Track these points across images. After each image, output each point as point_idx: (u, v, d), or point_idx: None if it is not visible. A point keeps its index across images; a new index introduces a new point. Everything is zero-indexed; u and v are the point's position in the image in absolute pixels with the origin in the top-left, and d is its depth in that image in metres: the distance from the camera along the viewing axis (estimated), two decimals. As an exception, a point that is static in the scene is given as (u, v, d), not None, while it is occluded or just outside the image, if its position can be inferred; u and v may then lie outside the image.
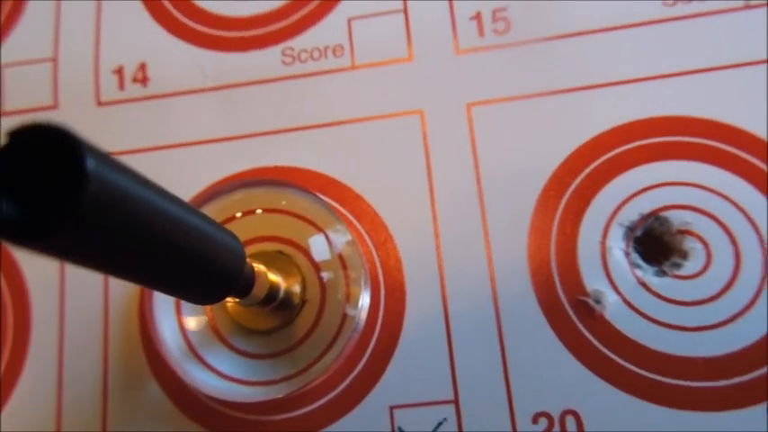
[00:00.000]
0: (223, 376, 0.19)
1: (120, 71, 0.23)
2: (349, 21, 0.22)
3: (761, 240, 0.18)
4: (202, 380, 0.19)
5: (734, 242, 0.19)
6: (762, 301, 0.18)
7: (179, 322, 0.20)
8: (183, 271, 0.14)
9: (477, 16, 0.22)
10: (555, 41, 0.21)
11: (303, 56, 0.22)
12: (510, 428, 0.18)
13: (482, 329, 0.19)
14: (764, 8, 0.20)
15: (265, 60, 0.22)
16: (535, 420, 0.18)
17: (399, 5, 0.22)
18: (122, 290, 0.21)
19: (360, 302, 0.19)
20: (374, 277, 0.20)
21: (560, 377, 0.18)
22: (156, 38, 0.23)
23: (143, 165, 0.21)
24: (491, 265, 0.19)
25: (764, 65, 0.20)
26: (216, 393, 0.18)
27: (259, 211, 0.21)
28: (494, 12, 0.21)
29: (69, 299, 0.21)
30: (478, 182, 0.20)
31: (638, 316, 0.18)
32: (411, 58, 0.22)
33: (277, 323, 0.20)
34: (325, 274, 0.19)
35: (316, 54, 0.22)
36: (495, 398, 0.19)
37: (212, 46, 0.23)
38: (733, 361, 0.18)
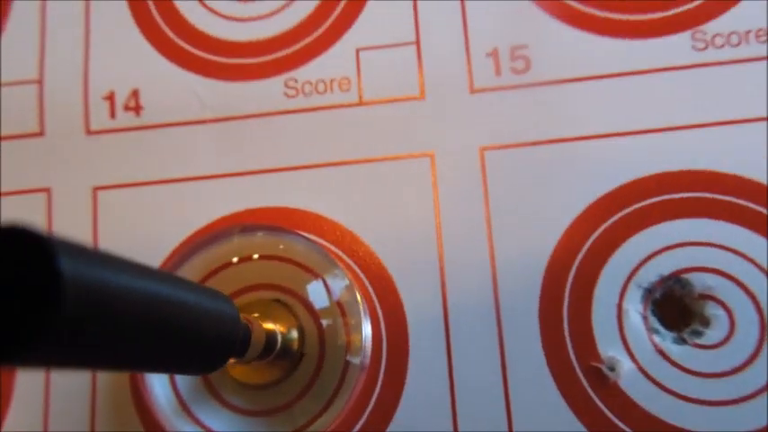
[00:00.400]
0: None
1: (111, 97, 0.21)
2: (357, 51, 0.21)
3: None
4: None
5: (759, 310, 0.18)
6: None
7: (170, 375, 0.19)
8: (176, 350, 0.13)
9: (495, 53, 0.20)
10: (574, 83, 0.19)
11: (307, 88, 0.21)
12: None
13: (488, 393, 0.18)
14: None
15: (267, 92, 0.21)
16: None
17: (412, 37, 0.21)
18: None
19: (361, 349, 0.18)
20: (375, 326, 0.19)
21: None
22: (151, 62, 0.21)
23: (135, 200, 0.20)
24: (500, 324, 0.18)
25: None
26: None
27: (255, 256, 0.19)
28: (512, 49, 0.20)
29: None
30: (489, 234, 0.19)
31: (654, 386, 0.17)
32: (423, 96, 0.20)
33: (274, 377, 0.19)
34: (324, 322, 0.18)
35: (321, 87, 0.21)
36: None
37: (210, 73, 0.21)
38: (753, 440, 0.17)
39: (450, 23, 0.21)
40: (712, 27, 0.19)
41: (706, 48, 0.19)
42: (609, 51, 0.20)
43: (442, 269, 0.19)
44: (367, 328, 0.19)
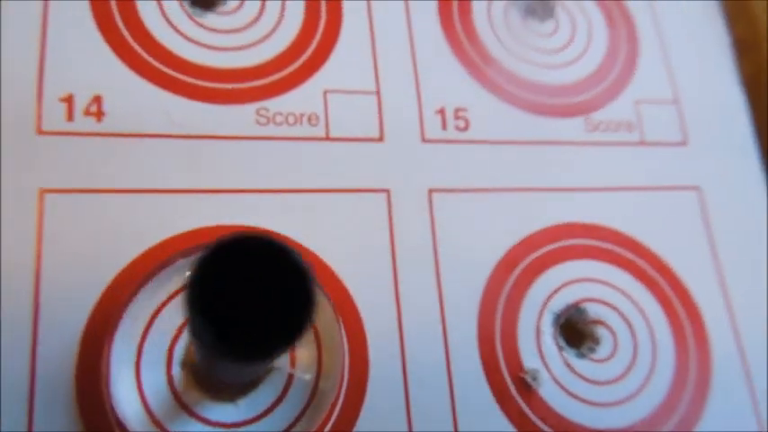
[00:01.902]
0: None
1: (69, 100, 0.20)
2: (325, 93, 0.23)
3: (651, 335, 0.23)
4: None
5: (632, 332, 0.23)
6: (650, 385, 0.22)
7: (138, 389, 0.18)
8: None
9: (441, 111, 0.23)
10: (505, 146, 0.24)
11: (278, 119, 0.22)
12: (460, 494, 0.20)
13: (438, 404, 0.21)
14: (668, 147, 0.25)
15: (238, 116, 0.22)
16: (482, 485, 0.20)
17: (373, 87, 0.23)
18: (56, 354, 0.18)
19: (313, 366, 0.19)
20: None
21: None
22: (117, 73, 0.21)
23: (87, 207, 0.19)
24: (446, 343, 0.21)
25: (671, 191, 0.25)
26: None
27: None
28: (455, 110, 0.24)
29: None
30: (436, 262, 0.22)
31: (564, 393, 0.22)
32: (382, 139, 0.23)
33: (243, 389, 0.19)
34: None
35: (291, 119, 0.22)
36: (447, 465, 0.20)
37: (181, 92, 0.21)
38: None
39: (404, 79, 0.24)
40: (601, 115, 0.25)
41: (594, 131, 0.25)
42: (535, 122, 0.24)
43: (396, 291, 0.21)
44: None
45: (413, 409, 0.20)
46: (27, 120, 0.20)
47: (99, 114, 0.20)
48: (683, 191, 0.25)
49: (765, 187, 0.26)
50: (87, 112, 0.20)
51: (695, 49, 0.27)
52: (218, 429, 0.19)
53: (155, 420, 0.18)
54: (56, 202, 0.19)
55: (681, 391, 0.22)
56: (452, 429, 0.20)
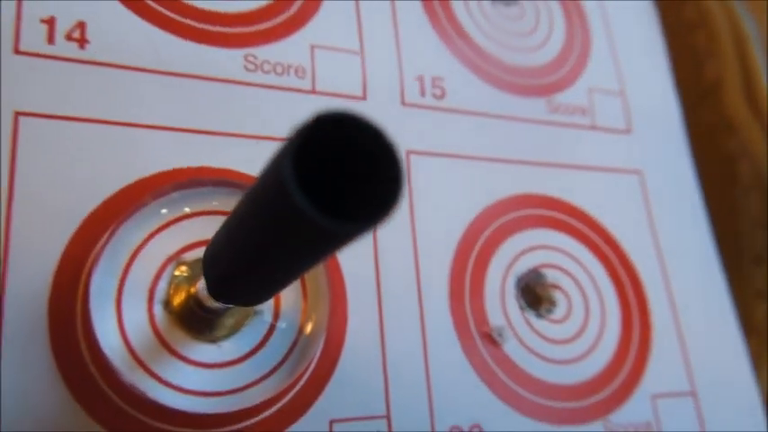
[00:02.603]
0: (174, 387, 0.17)
1: (51, 22, 0.19)
2: (312, 47, 0.23)
3: (600, 301, 0.25)
4: (155, 392, 0.17)
5: (585, 299, 0.24)
6: (601, 344, 0.24)
7: (119, 330, 0.17)
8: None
9: (420, 79, 0.24)
10: (477, 117, 0.25)
11: (266, 66, 0.22)
12: (430, 439, 0.20)
13: (411, 355, 0.21)
14: (614, 133, 0.27)
15: (227, 60, 0.21)
16: (450, 433, 0.21)
17: (357, 48, 0.24)
18: (26, 286, 0.17)
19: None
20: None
21: (471, 397, 0.21)
22: (104, 2, 0.20)
23: (65, 135, 0.18)
24: (420, 299, 0.22)
25: (617, 173, 0.27)
26: (173, 406, 0.17)
27: (187, 210, 0.19)
28: (433, 79, 0.24)
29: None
30: (412, 222, 0.22)
31: (525, 350, 0.23)
32: (365, 97, 0.23)
33: (225, 331, 0.19)
34: None
35: (279, 69, 0.22)
36: (419, 414, 0.21)
37: (170, 29, 0.21)
38: (585, 387, 0.23)
39: (387, 44, 0.24)
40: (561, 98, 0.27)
41: (553, 114, 0.27)
42: (492, 99, 0.25)
43: (375, 249, 0.22)
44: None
45: (388, 361, 0.21)
46: (4, 37, 0.18)
47: (82, 41, 0.19)
48: (627, 174, 0.27)
49: (694, 172, 0.29)
50: (69, 37, 0.19)
51: (638, 48, 0.30)
52: (198, 369, 0.18)
53: (136, 358, 0.17)
54: (31, 126, 0.18)
55: (625, 352, 0.24)
56: (425, 380, 0.21)
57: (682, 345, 0.25)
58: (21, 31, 0.18)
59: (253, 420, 0.18)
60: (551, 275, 0.24)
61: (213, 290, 0.14)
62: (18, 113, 0.18)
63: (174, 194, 0.19)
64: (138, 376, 0.17)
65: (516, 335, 0.23)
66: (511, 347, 0.22)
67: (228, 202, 0.19)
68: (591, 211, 0.26)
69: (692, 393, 0.25)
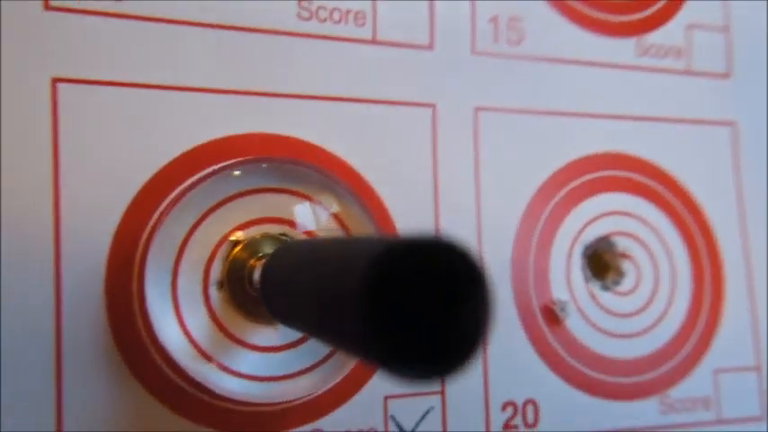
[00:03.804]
0: (240, 375, 0.17)
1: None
2: (376, -13, 0.20)
3: (672, 271, 0.23)
4: (222, 382, 0.16)
5: (656, 269, 0.23)
6: (667, 318, 0.23)
7: (180, 324, 0.17)
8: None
9: (495, 20, 0.21)
10: (556, 64, 0.22)
11: (322, 14, 0.19)
12: (484, 415, 0.20)
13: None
14: (711, 78, 0.24)
15: (279, 8, 0.19)
16: (504, 408, 0.20)
17: (426, -15, 0.20)
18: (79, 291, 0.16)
19: None
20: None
21: (526, 372, 0.21)
22: (140, -62, 0.17)
23: (105, 102, 0.17)
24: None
25: (701, 125, 0.24)
26: (237, 394, 0.16)
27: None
28: (509, 19, 0.21)
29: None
30: (477, 184, 0.21)
31: (586, 324, 0.22)
32: (431, 47, 0.20)
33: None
34: None
35: (336, 15, 0.19)
36: (473, 389, 0.20)
37: (215, -29, 0.18)
38: (645, 362, 0.22)
39: (459, -20, 0.21)
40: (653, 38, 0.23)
41: (642, 56, 0.23)
42: (587, 41, 0.22)
43: (436, 212, 0.20)
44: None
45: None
46: (31, -9, 0.16)
47: (118, -8, 0.17)
48: (718, 126, 0.24)
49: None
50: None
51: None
52: (256, 353, 0.17)
53: (193, 343, 0.17)
54: (70, 93, 0.16)
55: (692, 326, 0.23)
56: (482, 359, 0.20)
57: (753, 319, 0.23)
58: (50, -18, 0.16)
59: (309, 398, 0.18)
60: (622, 244, 0.22)
61: (269, 308, 0.13)
62: (55, 80, 0.16)
63: (236, 171, 0.18)
64: (195, 363, 0.16)
65: (578, 308, 0.21)
66: (572, 321, 0.21)
67: (284, 177, 0.18)
68: (673, 171, 0.23)
69: (757, 368, 0.23)
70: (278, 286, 0.12)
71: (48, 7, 0.16)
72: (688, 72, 0.24)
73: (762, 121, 0.24)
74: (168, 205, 0.17)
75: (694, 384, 0.22)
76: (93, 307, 0.16)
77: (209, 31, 0.18)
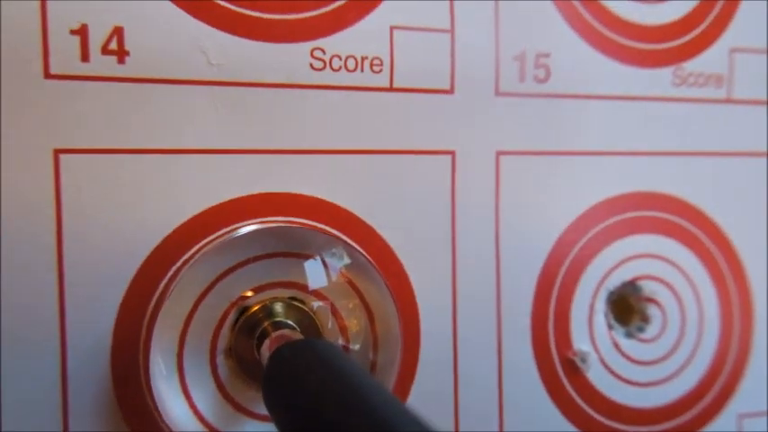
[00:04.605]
0: None
1: (83, 32, 0.16)
2: (391, 29, 0.18)
3: (700, 316, 0.22)
4: None
5: (683, 314, 0.22)
6: (692, 366, 0.22)
7: (186, 399, 0.16)
8: None
9: (521, 57, 0.20)
10: (585, 100, 0.20)
11: (336, 62, 0.18)
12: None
13: (485, 380, 0.20)
14: (749, 105, 0.22)
15: (290, 59, 0.18)
16: (522, 462, 0.20)
17: (447, 24, 0.19)
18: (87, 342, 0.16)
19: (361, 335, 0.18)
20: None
21: (545, 426, 0.20)
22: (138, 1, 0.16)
23: (110, 170, 0.16)
24: (499, 317, 0.20)
25: (741, 157, 0.22)
26: None
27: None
28: (537, 56, 0.20)
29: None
30: (497, 232, 0.20)
31: (610, 375, 0.21)
32: (452, 91, 0.19)
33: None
34: (315, 304, 0.18)
35: (351, 64, 0.18)
36: (490, 439, 0.20)
37: (222, 25, 0.17)
38: (667, 410, 0.21)
39: (483, 17, 0.19)
40: (692, 66, 0.22)
41: (681, 85, 0.22)
42: (613, 74, 0.21)
43: (454, 265, 0.19)
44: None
45: (460, 385, 0.19)
46: (31, 58, 0.15)
47: (121, 54, 0.16)
48: (758, 157, 0.23)
49: None
50: (106, 50, 0.16)
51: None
52: (265, 424, 0.17)
53: (205, 423, 0.16)
54: (72, 164, 0.16)
55: (719, 371, 0.22)
56: (497, 406, 0.20)
57: (783, 365, 0.22)
58: (49, 48, 0.15)
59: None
60: (648, 288, 0.22)
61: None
62: (57, 151, 0.16)
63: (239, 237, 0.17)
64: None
65: (601, 358, 0.21)
66: (594, 373, 0.21)
67: (291, 241, 0.17)
68: (706, 208, 0.22)
69: (784, 412, 0.23)
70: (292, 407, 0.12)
71: (48, 75, 0.16)
72: (729, 100, 0.22)
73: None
74: (173, 275, 0.16)
75: (719, 429, 0.22)
76: (100, 381, 0.16)
77: (216, 88, 0.17)
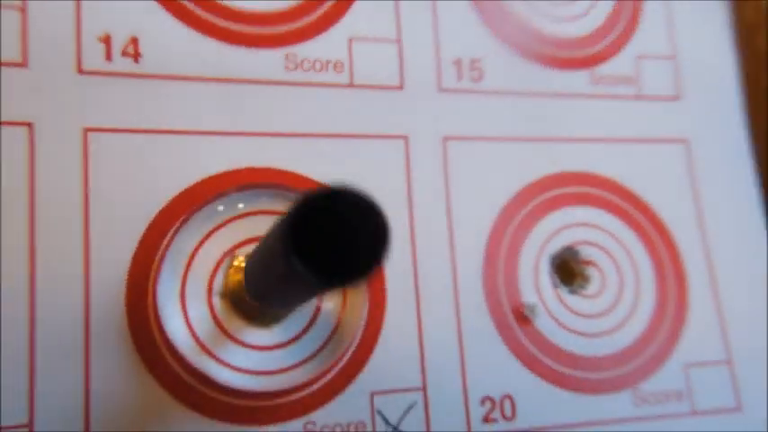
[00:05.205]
0: (236, 369, 0.20)
1: (107, 40, 0.21)
2: (350, 40, 0.23)
3: (635, 275, 0.25)
4: (218, 373, 0.19)
5: (619, 273, 0.25)
6: (634, 317, 0.25)
7: (185, 319, 0.20)
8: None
9: (458, 62, 0.24)
10: (516, 97, 0.25)
11: (306, 65, 0.23)
12: (464, 409, 0.22)
13: (446, 331, 0.23)
14: (656, 102, 0.26)
15: (269, 62, 0.22)
16: (482, 403, 0.23)
17: (394, 36, 0.24)
18: (106, 288, 0.20)
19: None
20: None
21: (502, 369, 0.23)
22: (153, 15, 0.21)
23: (129, 146, 0.20)
24: (455, 278, 0.23)
25: (661, 144, 0.26)
26: (233, 385, 0.19)
27: (241, 205, 0.21)
28: (471, 61, 0.25)
29: (42, 302, 0.19)
30: (448, 204, 0.23)
31: (557, 325, 0.24)
32: (401, 87, 0.24)
33: (276, 317, 0.21)
34: None
35: (318, 66, 0.23)
36: (453, 385, 0.22)
37: (214, 35, 0.22)
38: (615, 358, 0.24)
39: (424, 29, 0.24)
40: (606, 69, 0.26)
41: (597, 84, 0.26)
42: (550, 75, 0.25)
43: (412, 231, 0.23)
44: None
45: (424, 337, 0.22)
46: (65, 56, 0.20)
47: (136, 55, 0.21)
48: (672, 143, 0.27)
49: (748, 142, 0.28)
50: (125, 53, 0.21)
51: (696, 8, 0.28)
52: (253, 351, 0.20)
53: (199, 343, 0.20)
54: (99, 140, 0.20)
55: (659, 323, 0.25)
56: (458, 354, 0.22)
57: (719, 315, 0.25)
58: (81, 50, 0.20)
59: (301, 394, 0.21)
60: (586, 252, 0.25)
61: (250, 294, 0.16)
62: (87, 129, 0.20)
63: (232, 196, 0.21)
64: (200, 358, 0.19)
65: (548, 310, 0.24)
66: (542, 322, 0.24)
67: (275, 201, 0.21)
68: (630, 186, 0.26)
69: (728, 362, 0.25)
70: (249, 272, 0.15)
71: (80, 71, 0.20)
72: (639, 97, 0.27)
73: (714, 136, 0.27)
74: (177, 227, 0.20)
75: (666, 378, 0.24)
76: (116, 312, 0.19)
77: (212, 83, 0.22)
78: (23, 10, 0.20)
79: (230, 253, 0.21)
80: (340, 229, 0.11)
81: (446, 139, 0.24)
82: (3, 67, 0.19)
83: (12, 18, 0.20)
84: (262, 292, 0.15)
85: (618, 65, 0.27)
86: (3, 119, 0.19)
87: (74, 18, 0.20)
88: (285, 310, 0.17)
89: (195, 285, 0.20)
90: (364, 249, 0.11)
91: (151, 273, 0.20)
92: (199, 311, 0.20)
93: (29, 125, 0.20)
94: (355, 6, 0.24)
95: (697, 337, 0.25)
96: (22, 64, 0.20)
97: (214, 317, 0.20)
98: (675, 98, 0.27)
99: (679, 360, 0.25)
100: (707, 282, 0.26)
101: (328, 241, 0.11)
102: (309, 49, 0.23)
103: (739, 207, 0.27)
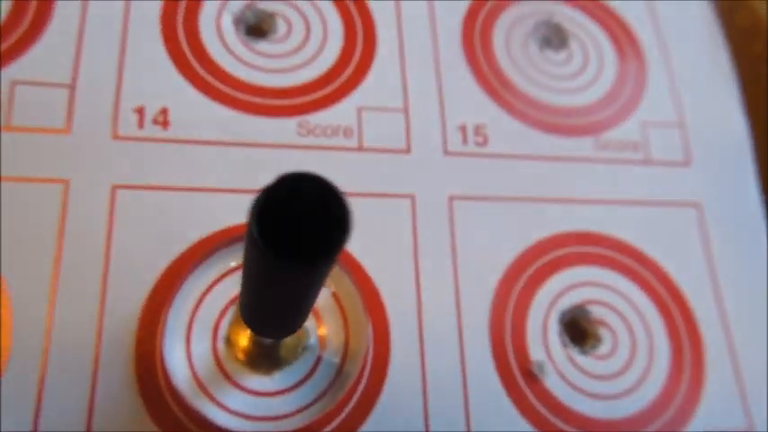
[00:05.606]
0: (231, 412, 0.20)
1: (140, 111, 0.23)
2: (359, 109, 0.25)
3: (648, 337, 0.24)
4: (213, 415, 0.20)
5: (631, 333, 0.24)
6: (646, 381, 0.24)
7: (188, 361, 0.21)
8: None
9: (462, 128, 0.26)
10: (520, 160, 0.26)
11: (317, 131, 0.24)
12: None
13: (451, 388, 0.22)
14: (666, 167, 0.27)
15: (282, 128, 0.24)
16: (488, 463, 0.22)
17: (401, 105, 0.26)
18: (118, 324, 0.21)
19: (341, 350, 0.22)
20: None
21: (509, 429, 0.22)
22: (181, 89, 0.24)
23: (154, 201, 0.22)
24: (461, 336, 0.23)
25: (673, 207, 0.26)
26: (228, 426, 0.20)
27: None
28: (475, 127, 0.26)
29: (58, 326, 0.20)
30: (454, 262, 0.24)
31: (567, 386, 0.23)
32: (409, 151, 0.25)
33: (278, 364, 0.22)
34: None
35: (329, 131, 0.25)
36: (457, 443, 0.22)
37: (234, 106, 0.24)
38: (625, 423, 0.23)
39: (430, 99, 0.26)
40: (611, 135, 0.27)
41: (604, 150, 0.27)
42: (546, 141, 0.26)
43: (418, 287, 0.23)
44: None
45: (429, 393, 0.22)
46: (103, 125, 0.23)
47: (165, 123, 0.23)
48: (684, 207, 0.27)
49: (762, 206, 0.27)
50: (155, 121, 0.23)
51: (701, 74, 0.29)
52: (252, 397, 0.21)
53: (200, 384, 0.20)
54: (125, 196, 0.22)
55: (675, 388, 0.24)
56: (464, 412, 0.22)
57: (738, 381, 0.24)
58: (118, 119, 0.23)
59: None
60: (597, 312, 0.25)
61: (248, 325, 0.17)
62: (115, 186, 0.22)
63: (236, 246, 0.22)
64: (199, 400, 0.20)
65: (558, 370, 0.23)
66: (552, 382, 0.23)
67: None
68: (641, 247, 0.26)
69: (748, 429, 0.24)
70: (240, 296, 0.16)
71: (115, 137, 0.23)
72: (647, 162, 0.27)
73: (726, 200, 0.27)
74: (185, 275, 0.22)
75: (687, 448, 0.23)
76: (125, 356, 0.21)
77: (231, 148, 0.24)
78: (73, 87, 0.23)
79: (236, 300, 0.22)
80: (303, 213, 0.12)
81: (452, 198, 0.25)
82: (49, 134, 0.22)
83: (61, 95, 0.23)
84: (253, 309, 0.16)
85: (624, 131, 0.27)
86: (43, 176, 0.22)
87: (114, 93, 0.23)
88: (278, 331, 0.18)
89: (201, 327, 0.21)
90: (329, 228, 0.12)
91: (162, 312, 0.21)
92: (202, 351, 0.21)
93: (65, 182, 0.22)
94: (365, 82, 0.26)
95: (716, 403, 0.24)
96: (65, 131, 0.22)
97: (216, 359, 0.21)
98: (685, 163, 0.28)
99: (698, 426, 0.23)
100: (723, 345, 0.25)
101: (293, 226, 0.12)
102: (321, 118, 0.25)
103: (753, 268, 0.26)
